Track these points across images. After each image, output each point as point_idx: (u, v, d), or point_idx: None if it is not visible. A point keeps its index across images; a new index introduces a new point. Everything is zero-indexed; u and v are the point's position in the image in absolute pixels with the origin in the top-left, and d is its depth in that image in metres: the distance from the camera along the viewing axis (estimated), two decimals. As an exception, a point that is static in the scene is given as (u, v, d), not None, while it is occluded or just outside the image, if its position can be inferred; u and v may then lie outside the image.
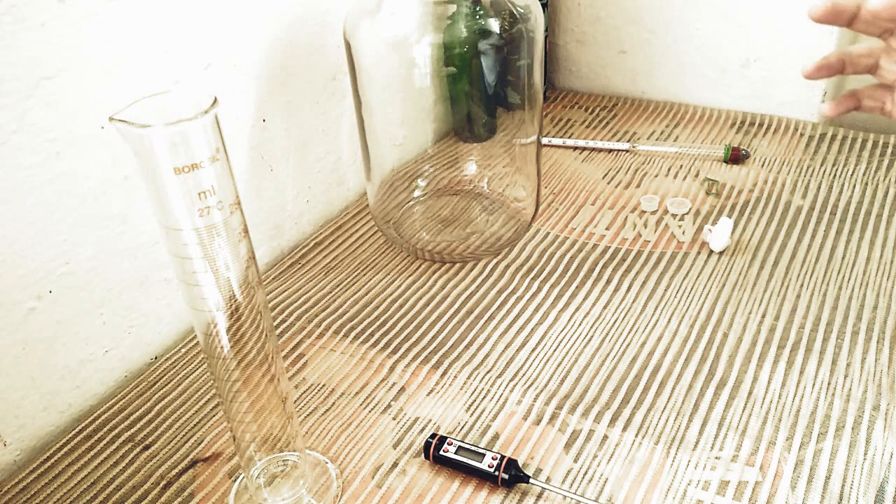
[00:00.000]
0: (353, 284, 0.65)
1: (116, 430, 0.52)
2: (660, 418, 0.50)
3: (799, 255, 0.64)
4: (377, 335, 0.59)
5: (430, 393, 0.53)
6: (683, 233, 0.69)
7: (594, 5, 0.94)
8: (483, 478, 0.46)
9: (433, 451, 0.47)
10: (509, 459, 0.46)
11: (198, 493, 0.47)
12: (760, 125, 0.86)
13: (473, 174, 0.77)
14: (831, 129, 0.83)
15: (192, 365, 0.58)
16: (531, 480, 0.45)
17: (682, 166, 0.80)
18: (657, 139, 0.86)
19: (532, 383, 0.54)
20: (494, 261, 0.67)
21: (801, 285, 0.61)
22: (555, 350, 0.56)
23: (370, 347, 0.58)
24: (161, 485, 0.48)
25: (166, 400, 0.54)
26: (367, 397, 0.53)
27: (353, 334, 0.59)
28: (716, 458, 0.47)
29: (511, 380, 0.54)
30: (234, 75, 0.61)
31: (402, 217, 0.72)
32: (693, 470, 0.46)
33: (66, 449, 0.51)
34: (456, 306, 0.62)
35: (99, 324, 0.54)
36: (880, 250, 0.64)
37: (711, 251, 0.66)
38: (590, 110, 0.94)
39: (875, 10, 0.43)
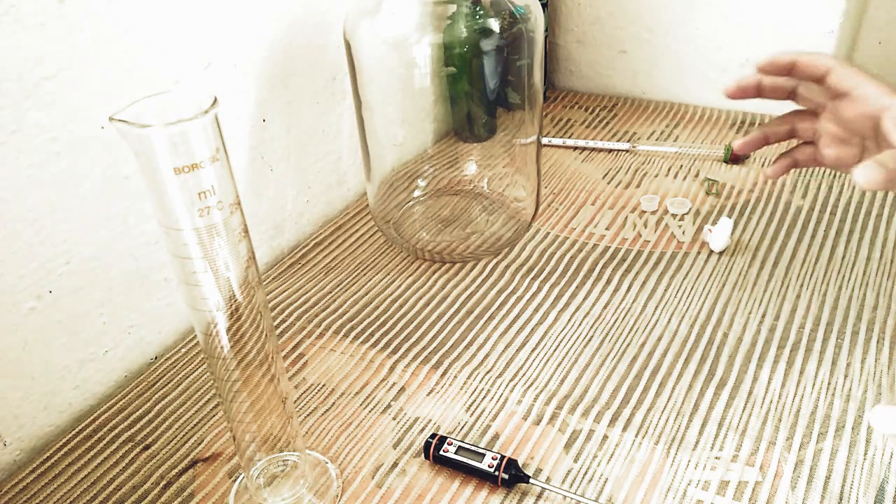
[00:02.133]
0: (353, 284, 0.65)
1: (116, 430, 0.52)
2: (660, 418, 0.50)
3: (799, 255, 0.64)
4: (377, 335, 0.59)
5: (430, 393, 0.53)
6: (683, 233, 0.69)
7: (594, 5, 0.94)
8: (483, 478, 0.46)
9: (433, 451, 0.47)
10: (509, 459, 0.46)
11: (198, 493, 0.47)
12: (760, 125, 0.86)
13: (473, 174, 0.77)
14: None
15: (192, 365, 0.58)
16: (531, 480, 0.45)
17: (682, 166, 0.80)
18: (657, 139, 0.86)
19: (532, 383, 0.54)
20: (494, 261, 0.67)
21: (801, 285, 0.61)
22: (555, 350, 0.56)
23: (370, 347, 0.58)
24: (161, 485, 0.48)
25: (166, 400, 0.54)
26: (367, 397, 0.53)
27: (353, 334, 0.59)
28: (716, 458, 0.47)
29: (511, 380, 0.54)
30: (234, 75, 0.61)
31: (402, 217, 0.72)
32: (693, 470, 0.46)
33: (66, 449, 0.51)
34: (456, 306, 0.62)
35: (99, 324, 0.54)
36: (880, 250, 0.64)
37: (711, 251, 0.66)
38: (590, 110, 0.94)
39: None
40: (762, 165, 0.78)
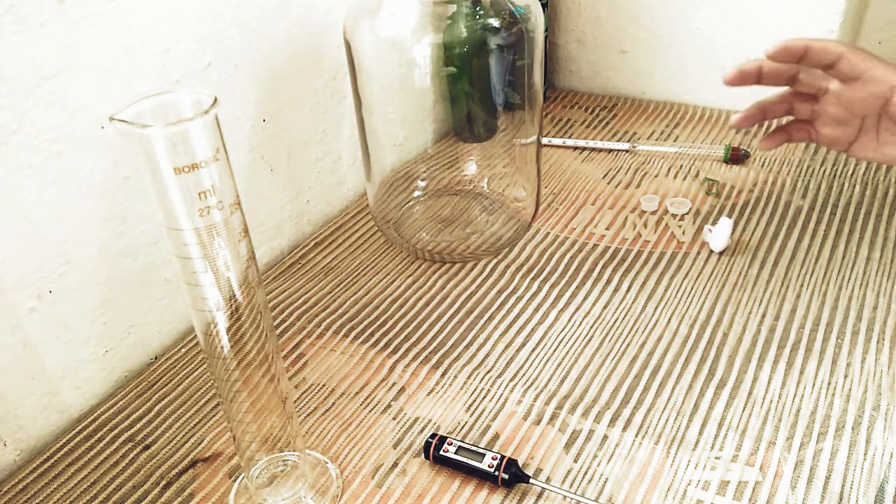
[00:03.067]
0: (353, 284, 0.65)
1: (116, 430, 0.52)
2: (660, 418, 0.50)
3: (799, 255, 0.64)
4: (377, 335, 0.59)
5: (430, 393, 0.53)
6: (683, 233, 0.69)
7: (594, 5, 0.94)
8: (483, 478, 0.46)
9: (433, 451, 0.47)
10: (509, 459, 0.46)
11: (198, 493, 0.47)
12: (760, 125, 0.86)
13: (473, 174, 0.77)
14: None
15: (192, 365, 0.58)
16: (531, 480, 0.45)
17: (682, 166, 0.80)
18: (657, 139, 0.86)
19: (532, 383, 0.54)
20: (494, 261, 0.67)
21: (801, 285, 0.61)
22: (555, 350, 0.56)
23: (370, 347, 0.58)
24: (161, 485, 0.48)
25: (166, 400, 0.54)
26: (367, 397, 0.53)
27: (353, 334, 0.59)
28: (716, 458, 0.47)
29: (511, 380, 0.54)
30: (234, 75, 0.61)
31: (402, 217, 0.72)
32: (693, 470, 0.46)
33: (66, 449, 0.51)
34: (456, 306, 0.62)
35: (99, 324, 0.54)
36: (880, 250, 0.64)
37: (711, 251, 0.66)
38: (590, 110, 0.94)
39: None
40: (762, 166, 0.78)
